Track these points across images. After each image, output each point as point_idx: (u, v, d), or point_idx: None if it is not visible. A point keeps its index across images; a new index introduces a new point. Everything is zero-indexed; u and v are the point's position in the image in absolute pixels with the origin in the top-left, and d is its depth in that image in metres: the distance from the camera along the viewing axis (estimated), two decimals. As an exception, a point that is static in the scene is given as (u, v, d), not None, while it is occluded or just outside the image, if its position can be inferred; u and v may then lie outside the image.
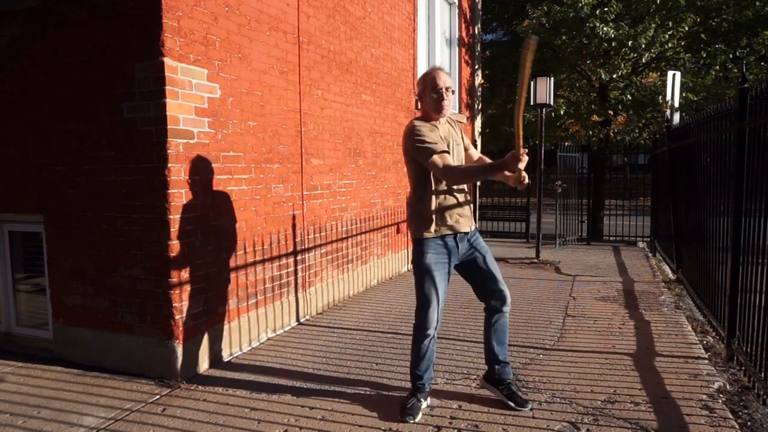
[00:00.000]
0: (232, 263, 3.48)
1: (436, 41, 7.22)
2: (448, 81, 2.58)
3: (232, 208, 3.47)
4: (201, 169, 3.20)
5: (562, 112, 9.16)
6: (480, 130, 9.45)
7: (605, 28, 8.11)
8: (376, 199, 5.59)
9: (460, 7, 8.03)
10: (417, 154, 2.52)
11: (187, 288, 3.13)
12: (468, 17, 8.39)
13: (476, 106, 9.04)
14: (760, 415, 2.57)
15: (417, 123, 2.57)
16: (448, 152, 2.51)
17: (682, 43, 8.87)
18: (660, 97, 8.76)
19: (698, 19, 8.84)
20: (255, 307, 3.72)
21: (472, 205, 2.76)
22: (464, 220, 2.64)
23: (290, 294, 4.15)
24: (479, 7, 8.92)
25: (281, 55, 3.92)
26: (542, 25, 8.82)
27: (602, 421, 2.50)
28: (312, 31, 4.31)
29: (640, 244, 8.41)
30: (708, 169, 4.05)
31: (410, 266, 2.76)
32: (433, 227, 2.57)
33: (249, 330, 3.65)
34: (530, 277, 5.97)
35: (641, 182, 12.48)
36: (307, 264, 4.36)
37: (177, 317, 3.07)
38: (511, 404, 2.64)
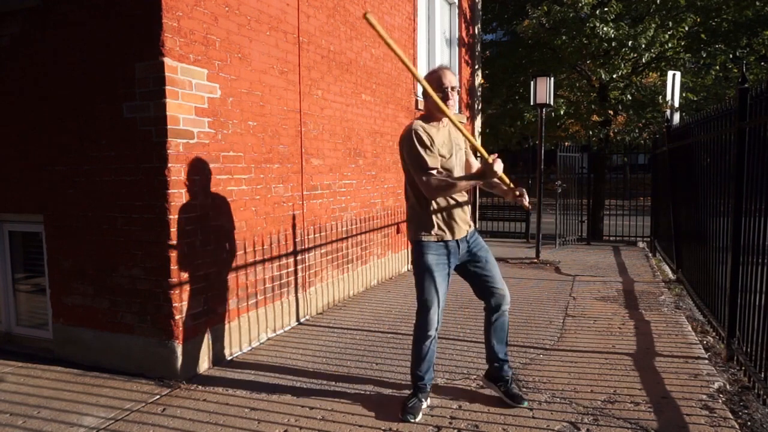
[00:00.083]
0: (232, 263, 3.48)
1: (436, 41, 7.22)
2: (454, 80, 2.56)
3: (232, 208, 3.47)
4: (201, 169, 3.20)
5: (562, 112, 9.16)
6: (480, 130, 9.45)
7: (605, 28, 8.11)
8: (376, 199, 5.59)
9: (460, 7, 8.03)
10: (409, 162, 2.54)
11: (187, 288, 3.13)
12: (468, 17, 8.40)
13: (476, 106, 9.05)
14: (760, 415, 2.57)
15: (417, 127, 2.51)
16: (434, 171, 2.48)
17: (682, 43, 8.87)
18: (660, 97, 8.76)
19: (698, 19, 8.84)
20: (255, 307, 3.72)
21: (470, 207, 2.75)
22: (463, 223, 2.63)
23: (290, 294, 4.15)
24: (479, 7, 8.92)
25: (281, 55, 3.92)
26: (542, 25, 8.82)
27: (602, 421, 2.50)
28: (312, 31, 4.31)
29: (640, 244, 8.41)
30: (708, 169, 4.05)
31: (410, 266, 2.76)
32: (431, 230, 2.58)
33: (249, 330, 3.65)
34: (530, 277, 5.97)
35: (641, 182, 12.49)
36: (307, 264, 4.36)
37: (177, 317, 3.07)
38: (508, 401, 2.67)
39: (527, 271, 6.30)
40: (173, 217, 3.02)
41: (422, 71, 6.67)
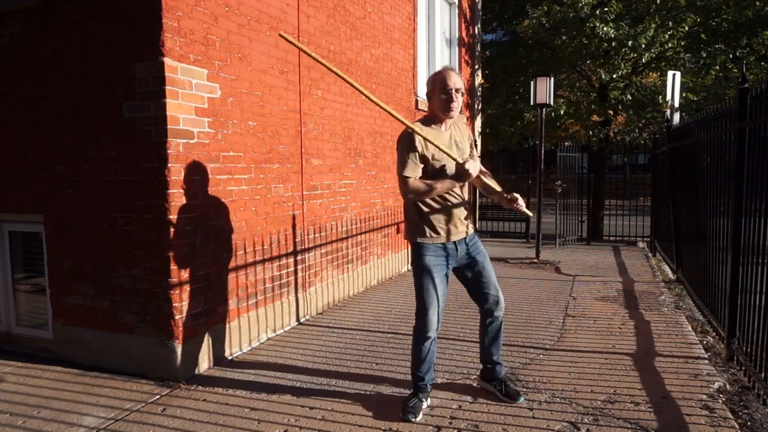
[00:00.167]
0: (232, 263, 3.48)
1: (436, 41, 7.22)
2: (459, 82, 2.52)
3: (232, 208, 3.47)
4: (201, 169, 3.20)
5: (562, 112, 9.16)
6: (480, 130, 9.45)
7: (605, 28, 8.12)
8: (376, 199, 5.59)
9: (460, 7, 8.03)
10: (397, 161, 2.56)
11: (187, 288, 3.13)
12: (468, 17, 8.40)
13: (476, 106, 9.05)
14: (760, 415, 2.57)
15: (416, 129, 2.48)
16: (412, 177, 2.51)
17: (682, 43, 8.87)
18: (660, 97, 8.76)
19: (698, 19, 8.84)
20: (255, 307, 3.72)
21: (469, 208, 2.74)
22: (460, 225, 2.63)
23: (290, 294, 4.15)
24: (479, 7, 8.92)
25: (281, 55, 3.92)
26: (542, 25, 8.83)
27: (602, 421, 2.50)
28: (312, 31, 4.31)
29: (640, 244, 8.41)
30: (708, 169, 4.05)
31: (410, 266, 2.76)
32: (428, 232, 2.58)
33: (249, 330, 3.65)
34: (530, 277, 5.97)
35: (641, 182, 12.48)
36: (307, 264, 4.36)
37: (177, 317, 3.07)
38: (505, 399, 2.70)
39: (527, 271, 6.30)
40: (173, 217, 3.02)
41: (422, 71, 6.69)
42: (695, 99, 9.22)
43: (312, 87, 4.33)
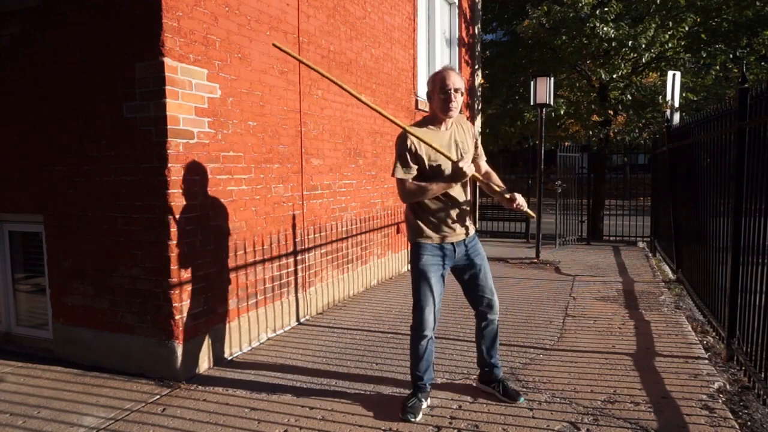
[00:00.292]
0: (232, 263, 3.48)
1: (436, 41, 7.22)
2: (458, 82, 2.51)
3: (232, 208, 3.47)
4: (201, 169, 3.20)
5: (562, 112, 9.16)
6: (480, 130, 9.45)
7: (605, 28, 8.11)
8: (376, 199, 5.59)
9: (460, 7, 8.03)
10: (393, 162, 2.57)
11: (187, 288, 3.13)
12: (468, 17, 8.40)
13: (476, 106, 9.05)
14: (760, 415, 2.57)
15: (408, 133, 2.49)
16: (407, 179, 2.52)
17: (682, 43, 8.87)
18: (660, 97, 8.76)
19: (698, 19, 8.84)
20: (255, 307, 3.72)
21: (469, 208, 2.73)
22: (460, 226, 2.63)
23: (290, 294, 4.15)
24: (479, 7, 8.92)
25: (281, 55, 3.92)
26: (542, 25, 8.82)
27: (602, 421, 2.50)
28: (312, 31, 4.31)
29: (640, 244, 8.41)
30: (708, 169, 4.05)
31: (409, 266, 2.76)
32: (427, 233, 2.58)
33: (249, 330, 3.65)
34: (530, 277, 5.97)
35: (641, 182, 12.48)
36: (307, 264, 4.36)
37: (177, 317, 3.07)
38: (505, 399, 2.71)
39: (527, 271, 6.30)
40: (173, 217, 3.02)
41: (422, 71, 6.69)
42: (695, 99, 9.22)
43: (312, 87, 4.33)
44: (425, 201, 2.56)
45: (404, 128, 2.47)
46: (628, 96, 9.33)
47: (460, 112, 2.60)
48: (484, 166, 2.83)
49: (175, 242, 3.04)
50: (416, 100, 6.38)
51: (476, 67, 8.99)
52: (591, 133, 9.45)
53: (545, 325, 4.05)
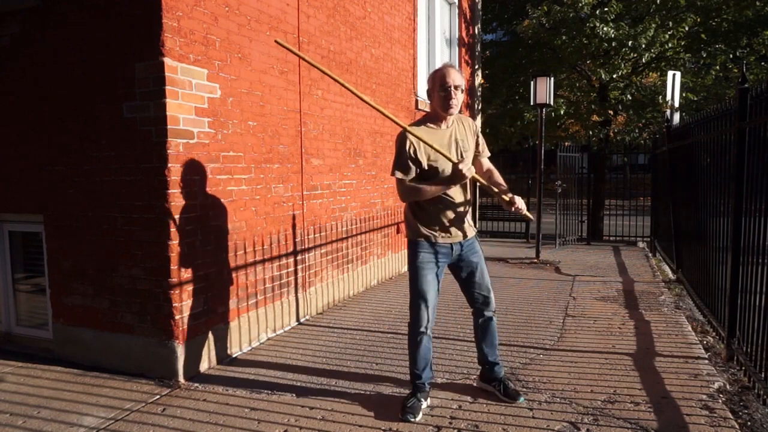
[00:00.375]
0: (232, 263, 3.48)
1: (436, 41, 7.22)
2: (458, 79, 2.50)
3: (232, 208, 3.47)
4: (201, 169, 3.20)
5: (562, 112, 9.16)
6: (480, 130, 9.44)
7: (605, 28, 8.11)
8: (376, 199, 5.59)
9: (460, 7, 8.03)
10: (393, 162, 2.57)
11: (187, 288, 3.13)
12: (468, 17, 8.40)
13: (476, 106, 9.05)
14: (760, 415, 2.57)
15: (407, 133, 2.48)
16: (405, 179, 2.52)
17: (682, 43, 8.87)
18: (660, 97, 8.76)
19: (698, 19, 8.84)
20: (255, 307, 3.72)
21: (470, 208, 2.73)
22: (458, 228, 2.63)
23: (290, 294, 4.15)
24: (479, 7, 8.92)
25: (281, 55, 3.92)
26: (542, 25, 8.82)
27: (602, 421, 2.50)
28: (312, 31, 4.31)
29: (640, 244, 8.41)
30: (708, 169, 4.05)
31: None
32: (424, 232, 2.58)
33: (249, 330, 3.65)
34: (530, 277, 5.97)
35: (641, 182, 12.49)
36: (307, 264, 4.36)
37: (177, 317, 3.07)
38: (505, 399, 2.71)
39: (527, 271, 6.30)
40: (173, 217, 3.02)
41: (422, 71, 6.69)
42: (695, 99, 9.22)
43: (312, 87, 4.33)
44: (425, 201, 2.56)
45: (404, 128, 2.47)
46: (628, 96, 9.33)
47: (460, 112, 2.60)
48: (486, 164, 2.82)
49: (175, 242, 3.04)
50: (416, 100, 6.38)
51: (476, 67, 8.99)
52: (591, 133, 9.45)
53: (545, 325, 4.05)
